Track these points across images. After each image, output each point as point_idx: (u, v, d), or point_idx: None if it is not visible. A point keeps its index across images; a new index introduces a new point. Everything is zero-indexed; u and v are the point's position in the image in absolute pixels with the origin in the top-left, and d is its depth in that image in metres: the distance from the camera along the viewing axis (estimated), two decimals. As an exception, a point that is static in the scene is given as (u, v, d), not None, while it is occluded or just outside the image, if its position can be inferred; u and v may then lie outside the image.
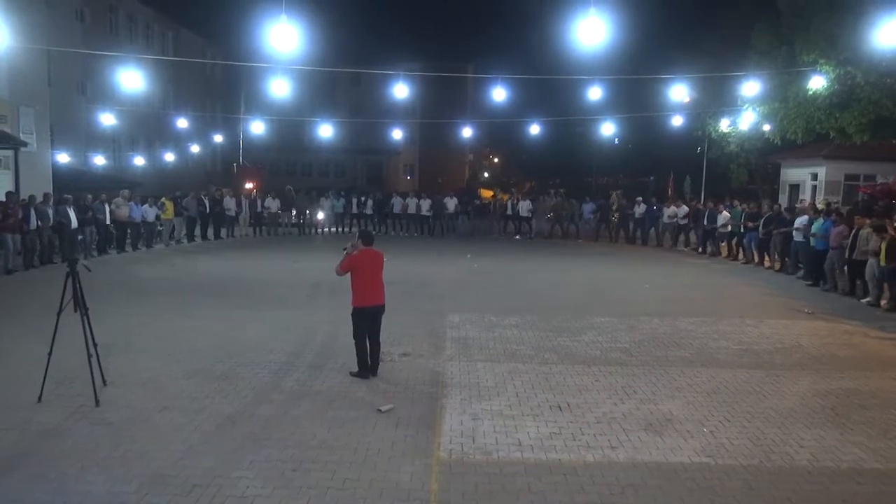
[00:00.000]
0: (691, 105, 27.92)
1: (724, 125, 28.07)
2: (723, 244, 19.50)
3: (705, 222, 19.86)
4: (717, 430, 6.08)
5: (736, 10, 27.29)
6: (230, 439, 5.65)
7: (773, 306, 12.10)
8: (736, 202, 20.01)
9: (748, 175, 33.61)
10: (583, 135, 45.46)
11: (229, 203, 22.25)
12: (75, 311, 6.35)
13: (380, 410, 6.35)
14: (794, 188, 29.90)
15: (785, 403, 6.82)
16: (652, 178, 44.93)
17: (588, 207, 24.68)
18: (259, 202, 23.88)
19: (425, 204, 25.38)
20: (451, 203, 25.64)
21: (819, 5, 18.61)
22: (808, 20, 18.76)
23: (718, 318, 10.78)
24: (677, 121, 27.60)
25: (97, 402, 6.31)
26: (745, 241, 18.09)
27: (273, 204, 24.06)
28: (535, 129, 28.98)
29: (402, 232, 25.42)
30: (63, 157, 25.56)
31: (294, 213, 24.82)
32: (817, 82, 18.32)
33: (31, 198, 15.04)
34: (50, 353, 6.39)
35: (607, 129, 30.75)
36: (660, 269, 16.92)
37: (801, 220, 14.99)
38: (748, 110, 22.96)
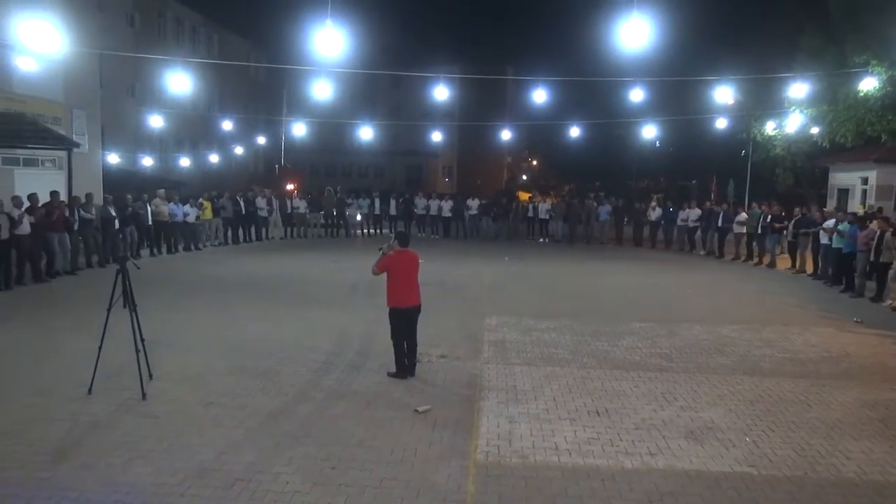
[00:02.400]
0: (735, 107, 27.38)
1: (770, 128, 27.46)
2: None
3: (720, 223, 19.49)
4: (761, 439, 5.95)
5: (782, 10, 26.68)
6: (271, 436, 5.76)
7: (817, 313, 11.78)
8: (754, 203, 19.62)
9: (794, 179, 32.78)
10: (623, 137, 44.89)
11: (261, 203, 22.59)
12: (124, 307, 6.55)
13: (417, 411, 6.39)
14: (843, 193, 29.00)
15: (831, 414, 6.63)
16: (694, 181, 44.10)
17: (604, 209, 24.40)
18: (289, 203, 24.17)
19: (446, 205, 25.45)
20: (474, 204, 25.62)
21: (871, 5, 18.07)
22: (860, 21, 18.26)
23: (762, 325, 10.54)
24: (721, 123, 27.11)
25: (144, 396, 6.50)
26: (767, 243, 17.74)
27: (301, 204, 24.36)
28: (574, 132, 28.80)
29: (423, 233, 25.51)
30: (113, 158, 26.40)
31: (323, 213, 25.12)
32: (868, 84, 17.81)
33: (75, 198, 15.45)
34: (100, 348, 6.61)
35: (648, 131, 30.33)
36: (694, 274, 16.63)
37: (829, 223, 14.72)
38: (795, 112, 22.42)
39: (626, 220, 24.12)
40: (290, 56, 32.07)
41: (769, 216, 17.54)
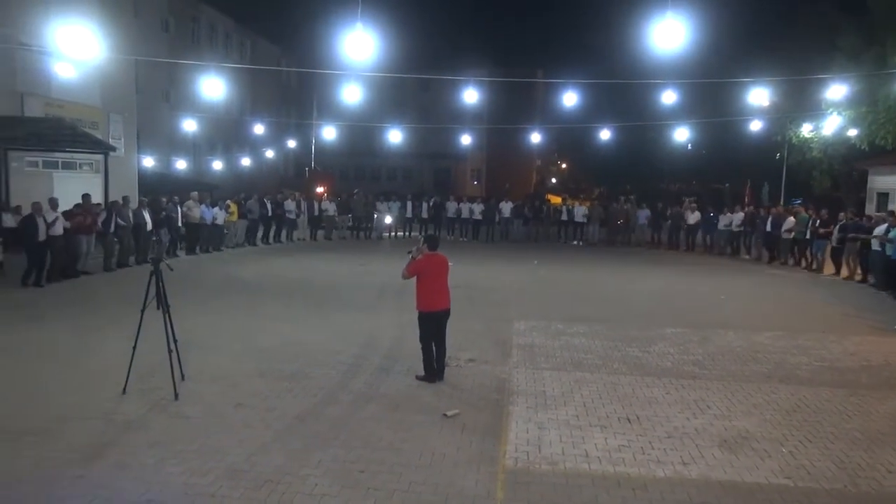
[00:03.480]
0: (771, 109, 26.85)
1: (806, 130, 26.85)
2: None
3: (768, 228, 19.13)
4: (797, 450, 5.80)
5: (818, 9, 26.08)
6: (300, 438, 5.78)
7: (856, 321, 11.47)
8: (802, 208, 19.20)
9: (831, 182, 32.01)
10: (654, 140, 44.37)
11: (290, 206, 22.80)
12: (158, 308, 6.64)
13: (445, 415, 6.36)
14: (883, 196, 28.21)
15: (872, 425, 6.43)
16: (727, 184, 43.36)
17: (643, 214, 24.13)
18: (317, 205, 24.37)
19: (477, 208, 25.42)
20: (507, 207, 25.53)
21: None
22: (902, 19, 17.76)
23: (797, 332, 10.29)
24: (755, 126, 26.62)
25: (176, 396, 6.59)
26: (813, 248, 17.35)
27: (330, 207, 24.52)
28: (605, 135, 28.53)
29: (453, 235, 25.51)
30: (148, 162, 26.94)
31: (351, 216, 25.26)
32: (911, 85, 17.30)
33: (114, 203, 15.76)
34: (134, 348, 6.72)
35: (681, 134, 29.90)
36: (731, 279, 16.32)
37: (880, 229, 14.26)
38: (833, 114, 21.89)
39: (664, 223, 23.83)
40: (320, 60, 32.41)
41: (818, 221, 17.20)
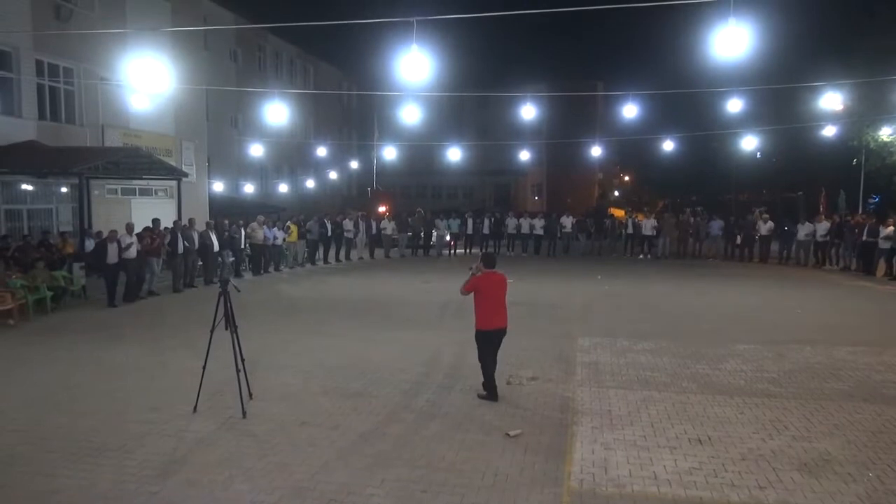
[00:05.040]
0: (845, 113, 25.66)
1: (886, 134, 25.53)
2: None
3: (864, 237, 18.17)
4: (885, 475, 5.44)
5: (895, 7, 24.86)
6: (363, 456, 5.82)
7: (950, 336, 10.73)
8: None
9: (915, 187, 30.25)
10: (720, 150, 43.08)
11: (348, 225, 23.17)
12: (226, 328, 6.85)
13: (508, 435, 6.28)
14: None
15: (969, 448, 5.98)
16: (800, 193, 41.56)
17: (716, 225, 23.36)
18: (375, 224, 24.66)
19: (538, 223, 25.18)
20: (569, 222, 25.22)
21: None
22: None
23: (883, 348, 9.71)
24: (829, 131, 25.50)
25: (244, 415, 6.75)
26: None
27: (389, 226, 24.80)
28: (668, 146, 27.93)
29: (514, 251, 25.35)
30: (218, 186, 28.02)
31: (409, 234, 25.48)
32: None
33: (176, 223, 16.48)
34: (204, 367, 6.94)
35: (748, 142, 28.94)
36: (808, 292, 15.58)
37: None
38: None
39: (737, 234, 23.05)
40: (380, 81, 33.05)
41: None
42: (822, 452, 5.89)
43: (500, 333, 7.44)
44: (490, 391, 7.36)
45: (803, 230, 20.48)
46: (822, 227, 20.02)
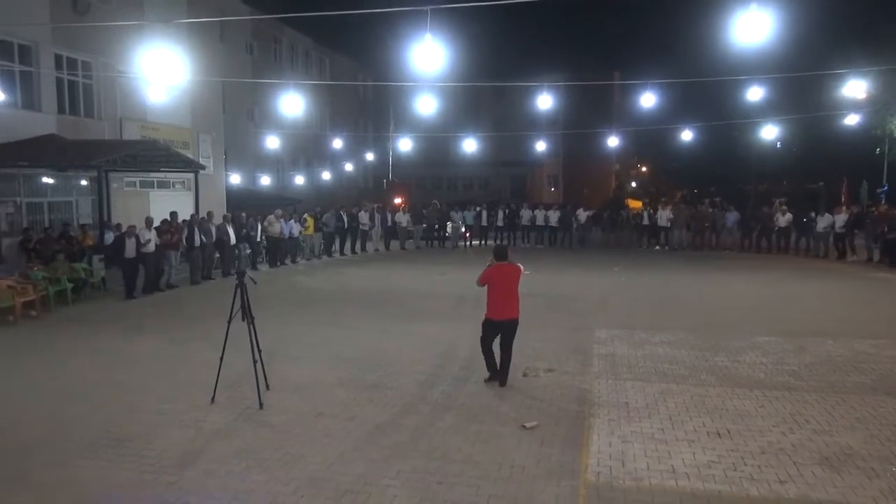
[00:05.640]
0: (868, 101, 25.20)
1: (910, 122, 25.05)
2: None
3: (885, 229, 17.86)
4: (909, 469, 5.34)
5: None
6: (379, 448, 5.82)
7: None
8: None
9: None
10: (739, 139, 42.54)
11: (363, 217, 23.20)
12: (243, 320, 6.87)
13: (524, 427, 6.25)
14: None
15: None
16: (821, 183, 40.92)
17: (731, 217, 23.05)
18: (390, 216, 24.65)
19: (553, 215, 25.03)
20: (583, 215, 25.07)
21: None
22: None
23: (907, 341, 9.55)
24: (851, 120, 25.08)
25: (261, 405, 6.78)
26: None
27: (404, 218, 24.80)
28: (686, 136, 27.64)
29: (529, 243, 25.23)
30: (235, 178, 28.15)
31: (424, 226, 25.45)
32: None
33: (193, 217, 16.55)
34: (221, 358, 6.97)
35: (768, 132, 28.56)
36: (829, 284, 15.36)
37: None
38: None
39: (753, 226, 22.77)
40: (396, 73, 32.96)
41: None
42: (843, 447, 5.79)
43: (510, 324, 7.50)
44: (491, 371, 7.58)
45: (822, 222, 20.17)
46: (841, 218, 19.71)
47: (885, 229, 17.95)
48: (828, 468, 5.37)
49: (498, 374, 7.54)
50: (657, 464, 5.48)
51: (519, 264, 7.86)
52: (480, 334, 7.64)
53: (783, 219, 21.38)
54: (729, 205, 24.74)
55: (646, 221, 24.72)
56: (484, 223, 25.90)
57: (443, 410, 6.77)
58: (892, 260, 17.85)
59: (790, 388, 7.41)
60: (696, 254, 22.38)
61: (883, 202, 25.17)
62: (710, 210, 24.28)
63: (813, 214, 20.92)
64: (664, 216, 24.11)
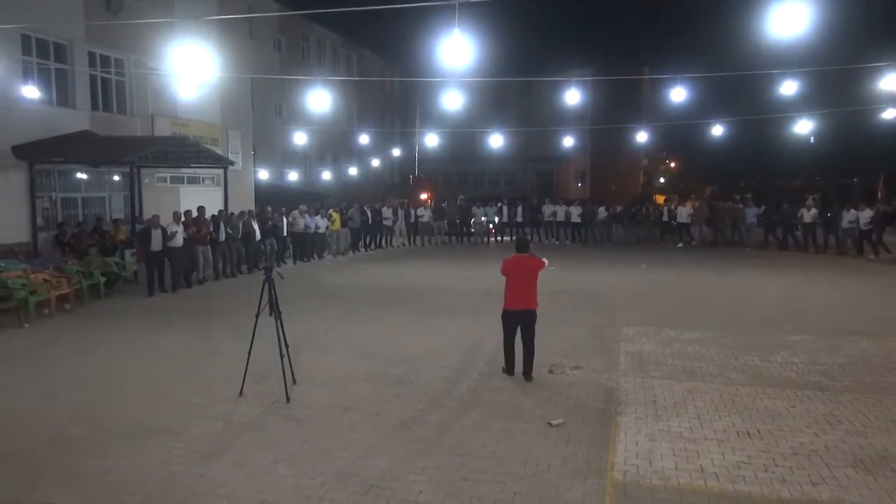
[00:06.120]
0: (906, 95, 24.52)
1: (949, 117, 24.32)
2: None
3: None
4: (948, 473, 5.19)
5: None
6: (404, 443, 5.84)
7: None
8: None
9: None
10: (771, 135, 41.76)
11: (387, 213, 23.22)
12: (270, 314, 6.94)
13: (550, 424, 6.22)
14: None
15: None
16: (856, 179, 39.99)
17: (751, 212, 22.61)
18: (413, 212, 24.67)
19: (575, 211, 24.82)
20: (603, 212, 24.91)
21: None
22: None
23: (946, 341, 9.28)
24: (889, 114, 24.44)
25: (288, 399, 6.84)
26: None
27: (426, 214, 24.80)
28: (717, 131, 27.22)
29: (549, 240, 25.05)
30: (263, 174, 28.45)
31: (447, 222, 25.44)
32: None
33: (221, 212, 16.70)
34: (249, 352, 7.05)
35: (802, 127, 27.95)
36: (859, 281, 15.01)
37: None
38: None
39: (776, 222, 22.37)
40: (423, 68, 32.97)
41: None
42: (878, 449, 5.65)
43: (526, 314, 7.58)
44: (508, 365, 7.74)
45: (846, 217, 19.77)
46: (865, 214, 19.30)
47: None
48: (862, 470, 5.25)
49: (513, 369, 7.70)
50: (685, 463, 5.41)
51: (545, 259, 7.84)
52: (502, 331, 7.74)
53: (808, 214, 20.94)
54: (751, 201, 24.27)
55: (666, 218, 24.43)
56: (505, 219, 25.80)
57: (468, 406, 6.77)
58: None
59: (823, 388, 7.26)
60: (717, 251, 22.00)
61: None
62: (731, 205, 23.89)
63: (836, 209, 20.51)
64: (684, 213, 23.80)
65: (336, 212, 21.30)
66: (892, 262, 18.18)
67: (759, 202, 24.09)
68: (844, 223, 19.85)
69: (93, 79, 17.96)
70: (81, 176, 17.68)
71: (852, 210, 19.89)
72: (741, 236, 22.77)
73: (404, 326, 10.58)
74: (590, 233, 24.75)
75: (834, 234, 20.48)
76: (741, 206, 23.52)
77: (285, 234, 18.87)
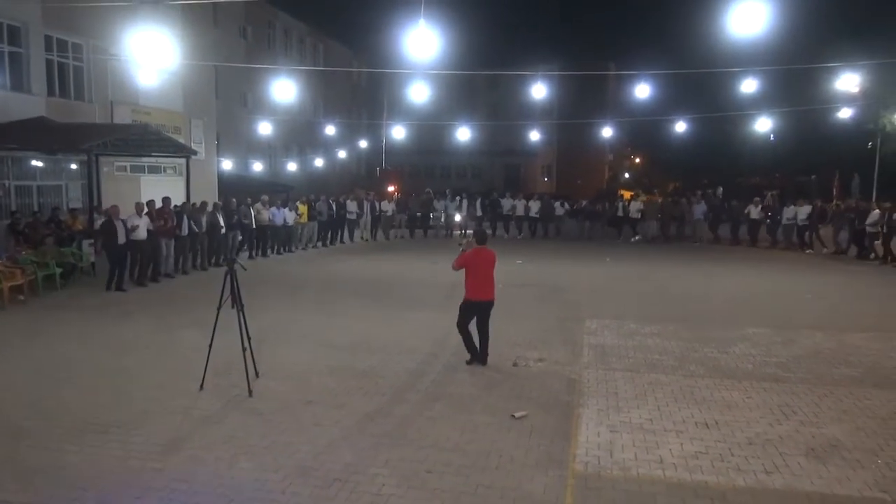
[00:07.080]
0: (861, 96, 25.28)
1: (902, 117, 25.15)
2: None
3: (856, 222, 18.27)
4: (894, 461, 5.38)
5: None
6: (368, 436, 5.82)
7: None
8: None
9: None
10: (732, 133, 42.60)
11: (351, 206, 23.03)
12: (232, 307, 6.84)
13: (513, 416, 6.27)
14: None
15: (980, 436, 5.91)
16: (814, 176, 41.07)
17: (699, 208, 23.14)
18: (377, 205, 24.53)
19: (534, 205, 25.04)
20: (560, 208, 25.29)
21: None
22: None
23: (894, 333, 9.61)
24: (844, 113, 25.18)
25: (250, 393, 6.76)
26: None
27: (389, 207, 24.73)
28: (680, 127, 27.69)
29: (509, 233, 25.22)
30: (227, 164, 27.97)
31: (408, 215, 25.42)
32: None
33: (185, 205, 16.28)
34: (210, 346, 6.94)
35: (762, 124, 28.59)
36: (811, 276, 15.47)
37: None
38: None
39: (723, 219, 22.96)
40: (390, 60, 32.78)
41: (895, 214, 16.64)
42: (830, 438, 5.84)
43: (488, 305, 7.90)
44: (472, 354, 7.87)
45: (786, 214, 20.58)
46: (804, 211, 20.18)
47: (856, 222, 18.28)
48: (814, 459, 5.41)
49: (479, 355, 7.87)
50: (645, 454, 5.51)
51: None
52: (458, 317, 7.90)
53: (755, 210, 21.62)
54: (700, 198, 24.77)
55: (620, 213, 24.88)
56: (464, 212, 25.86)
57: (432, 399, 6.78)
58: (860, 252, 18.24)
59: (778, 380, 7.46)
60: (671, 246, 22.41)
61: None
62: (679, 201, 24.51)
63: (777, 206, 21.31)
64: (635, 207, 24.25)
65: (303, 204, 20.93)
66: (829, 256, 18.90)
67: (726, 198, 24.63)
68: (784, 219, 20.57)
69: (49, 63, 17.43)
70: (37, 164, 17.16)
71: (791, 206, 20.60)
72: (693, 231, 23.25)
73: (370, 319, 10.53)
74: (547, 227, 25.00)
75: (776, 230, 21.22)
76: (685, 201, 24.07)
77: (254, 226, 18.28)
